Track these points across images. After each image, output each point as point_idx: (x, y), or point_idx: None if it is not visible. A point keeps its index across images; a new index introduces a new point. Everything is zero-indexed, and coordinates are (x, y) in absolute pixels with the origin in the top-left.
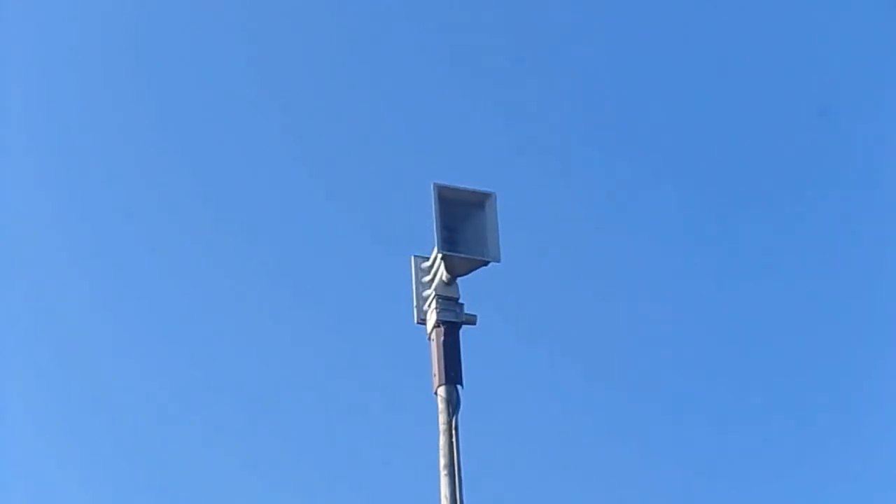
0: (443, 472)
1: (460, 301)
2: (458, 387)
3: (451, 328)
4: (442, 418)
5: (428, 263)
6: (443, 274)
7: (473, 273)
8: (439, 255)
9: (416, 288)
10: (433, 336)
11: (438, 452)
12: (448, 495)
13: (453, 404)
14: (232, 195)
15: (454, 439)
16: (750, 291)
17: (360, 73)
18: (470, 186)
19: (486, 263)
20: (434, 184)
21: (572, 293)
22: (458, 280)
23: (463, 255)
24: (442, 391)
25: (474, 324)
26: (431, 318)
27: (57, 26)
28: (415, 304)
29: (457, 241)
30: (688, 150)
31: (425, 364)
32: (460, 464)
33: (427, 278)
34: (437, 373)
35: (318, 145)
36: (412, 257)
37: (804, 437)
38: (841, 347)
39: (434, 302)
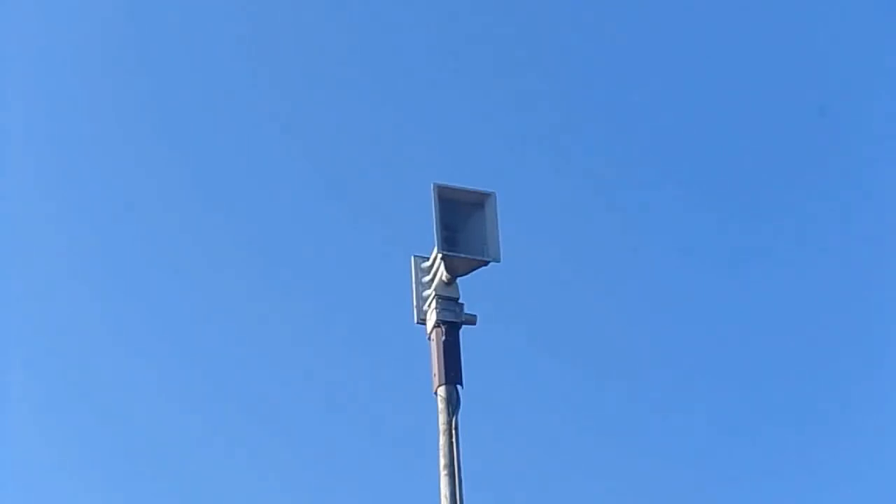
0: (443, 472)
1: (460, 301)
2: (458, 387)
3: (451, 328)
4: (442, 418)
5: (428, 263)
6: (443, 274)
7: (473, 273)
8: (439, 255)
9: (416, 288)
10: (433, 336)
11: (438, 452)
12: (448, 495)
13: (453, 404)
14: (231, 194)
15: (454, 439)
16: (750, 291)
17: (360, 73)
18: (470, 186)
19: (486, 263)
20: (434, 184)
21: (572, 293)
22: (458, 280)
23: (463, 255)
24: (442, 391)
25: (474, 324)
26: (431, 318)
27: (57, 26)
28: (415, 304)
29: (457, 241)
30: (688, 149)
31: (425, 364)
32: (460, 464)
33: (427, 278)
34: (437, 373)
35: (317, 145)
36: (412, 257)
37: (805, 437)
38: (840, 347)
39: (434, 302)
